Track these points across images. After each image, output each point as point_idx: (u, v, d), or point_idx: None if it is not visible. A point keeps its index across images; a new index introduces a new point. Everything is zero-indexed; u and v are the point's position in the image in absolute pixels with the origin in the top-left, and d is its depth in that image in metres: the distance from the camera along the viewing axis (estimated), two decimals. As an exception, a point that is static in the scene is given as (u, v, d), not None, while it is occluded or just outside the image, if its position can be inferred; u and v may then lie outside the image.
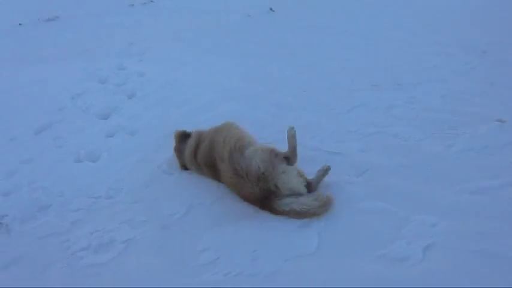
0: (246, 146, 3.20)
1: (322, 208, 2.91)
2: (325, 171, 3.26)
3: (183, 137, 3.88)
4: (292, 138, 3.14)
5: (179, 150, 3.82)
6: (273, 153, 3.08)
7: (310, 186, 3.16)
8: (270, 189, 3.00)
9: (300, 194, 3.03)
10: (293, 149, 3.13)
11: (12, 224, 3.27)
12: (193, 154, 3.61)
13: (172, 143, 3.91)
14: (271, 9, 9.67)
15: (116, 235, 3.02)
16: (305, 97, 4.89)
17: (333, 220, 2.85)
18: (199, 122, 4.26)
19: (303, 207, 2.91)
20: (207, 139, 3.53)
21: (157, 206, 3.27)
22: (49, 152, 4.33)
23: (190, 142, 3.70)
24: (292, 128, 3.17)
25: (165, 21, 9.73)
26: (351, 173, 3.35)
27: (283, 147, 3.14)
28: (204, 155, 3.48)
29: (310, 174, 3.20)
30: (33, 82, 6.15)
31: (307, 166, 3.27)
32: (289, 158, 3.11)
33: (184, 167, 3.76)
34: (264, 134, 4.08)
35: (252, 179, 3.01)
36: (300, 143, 3.88)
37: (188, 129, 3.96)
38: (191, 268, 2.63)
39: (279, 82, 5.40)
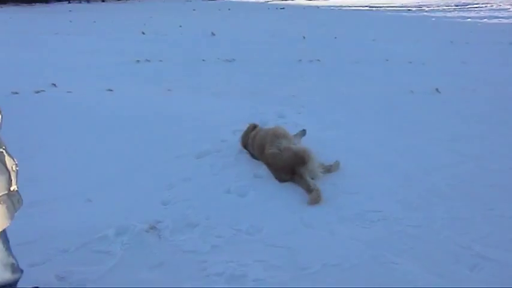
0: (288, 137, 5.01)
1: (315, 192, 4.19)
2: (334, 166, 4.83)
3: (251, 128, 5.46)
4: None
5: (244, 136, 5.44)
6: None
7: (331, 169, 4.77)
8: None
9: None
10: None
11: (164, 232, 3.68)
12: (251, 139, 5.22)
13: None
14: (437, 89, 9.37)
15: (249, 271, 3.17)
16: (461, 188, 4.56)
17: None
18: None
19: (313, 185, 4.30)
20: (263, 131, 5.16)
21: (293, 256, 3.33)
22: (204, 177, 4.79)
23: (253, 132, 5.33)
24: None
25: (327, 80, 10.12)
26: (509, 284, 3.02)
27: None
28: (259, 141, 5.00)
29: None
30: (206, 112, 6.97)
31: (448, 263, 3.14)
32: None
33: (244, 147, 5.40)
34: (409, 214, 3.94)
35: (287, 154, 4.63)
36: (448, 235, 3.66)
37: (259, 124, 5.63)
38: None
39: (435, 166, 5.14)
